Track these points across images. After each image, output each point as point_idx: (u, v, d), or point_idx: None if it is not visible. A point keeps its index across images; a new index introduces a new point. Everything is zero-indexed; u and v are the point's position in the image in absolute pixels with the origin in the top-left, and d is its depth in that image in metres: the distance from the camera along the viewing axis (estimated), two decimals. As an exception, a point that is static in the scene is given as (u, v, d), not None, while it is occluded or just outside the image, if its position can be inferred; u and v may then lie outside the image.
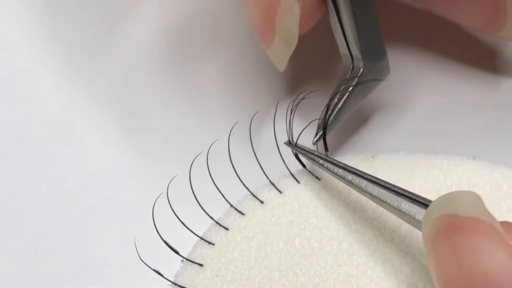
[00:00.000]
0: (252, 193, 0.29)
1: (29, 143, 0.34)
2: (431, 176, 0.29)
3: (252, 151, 0.29)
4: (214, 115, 0.33)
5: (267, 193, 0.29)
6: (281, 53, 0.29)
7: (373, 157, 0.30)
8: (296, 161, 0.30)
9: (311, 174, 0.30)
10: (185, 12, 0.37)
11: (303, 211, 0.29)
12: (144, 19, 0.37)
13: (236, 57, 0.35)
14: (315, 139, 0.29)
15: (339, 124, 0.30)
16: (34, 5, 0.38)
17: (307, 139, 0.30)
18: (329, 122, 0.30)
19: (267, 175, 0.29)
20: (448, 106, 0.33)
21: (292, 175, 0.30)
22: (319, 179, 0.29)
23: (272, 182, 0.29)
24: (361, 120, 0.33)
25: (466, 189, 0.28)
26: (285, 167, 0.30)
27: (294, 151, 0.30)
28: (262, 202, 0.29)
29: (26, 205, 0.32)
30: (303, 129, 0.30)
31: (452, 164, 0.29)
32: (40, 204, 0.32)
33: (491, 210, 0.22)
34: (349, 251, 0.27)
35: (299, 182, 0.29)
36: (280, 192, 0.29)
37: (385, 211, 0.27)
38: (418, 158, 0.30)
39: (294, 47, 0.28)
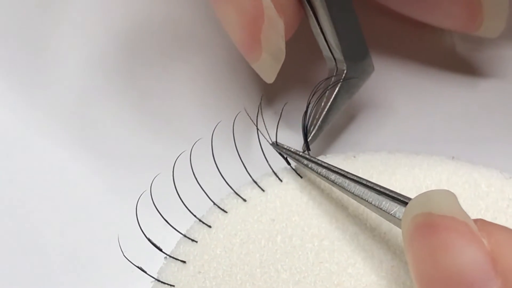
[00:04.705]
0: (235, 191, 0.29)
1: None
2: (411, 175, 0.29)
3: (235, 149, 0.30)
4: (198, 114, 0.34)
5: (249, 191, 0.30)
6: (269, 68, 0.29)
7: (354, 157, 0.30)
8: (278, 159, 0.30)
9: (293, 173, 0.30)
10: (159, 14, 0.38)
11: (285, 209, 0.29)
12: (116, 20, 0.38)
13: (218, 57, 0.36)
14: (304, 145, 0.30)
15: (328, 126, 0.31)
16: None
17: (291, 141, 0.30)
18: (317, 125, 0.30)
19: (250, 173, 0.30)
20: (429, 107, 0.34)
21: (275, 174, 0.30)
22: (301, 177, 0.30)
23: (255, 180, 0.30)
24: (344, 121, 0.33)
25: (445, 188, 0.29)
26: (268, 166, 0.30)
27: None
28: (244, 200, 0.29)
29: (12, 204, 0.33)
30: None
31: (432, 164, 0.30)
32: (24, 201, 0.32)
33: (469, 208, 0.22)
34: (330, 249, 0.28)
35: (281, 181, 0.30)
36: (263, 190, 0.29)
37: (366, 209, 0.27)
38: (398, 158, 0.30)
39: (283, 60, 0.29)
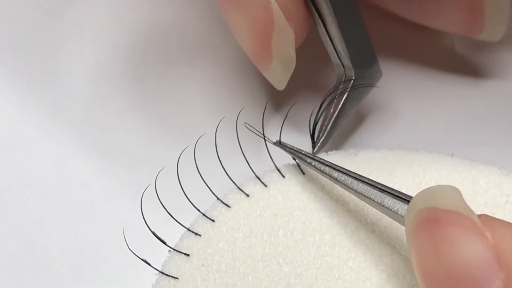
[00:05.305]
0: (238, 187, 0.30)
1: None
2: (411, 172, 0.30)
3: (239, 145, 0.30)
4: (204, 112, 0.34)
5: (252, 187, 0.30)
6: (280, 76, 0.30)
7: (355, 154, 0.31)
8: (281, 156, 0.30)
9: (296, 169, 0.30)
10: (170, 16, 0.38)
11: (287, 204, 0.29)
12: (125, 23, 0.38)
13: (226, 59, 0.36)
14: (315, 150, 0.31)
15: (336, 132, 0.31)
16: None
17: (298, 145, 0.30)
18: (326, 131, 0.31)
19: (252, 169, 0.30)
20: (432, 109, 0.34)
21: (278, 169, 0.30)
22: (303, 173, 0.30)
23: (258, 176, 0.30)
24: (349, 123, 0.33)
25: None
26: (271, 161, 0.30)
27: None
28: (247, 195, 0.30)
29: (19, 201, 0.33)
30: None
31: (431, 161, 0.30)
32: (29, 198, 0.33)
33: (468, 204, 0.22)
34: (331, 242, 0.28)
35: (284, 176, 0.30)
36: (266, 185, 0.30)
37: (366, 204, 0.28)
38: (398, 155, 0.31)
39: (293, 68, 0.29)
